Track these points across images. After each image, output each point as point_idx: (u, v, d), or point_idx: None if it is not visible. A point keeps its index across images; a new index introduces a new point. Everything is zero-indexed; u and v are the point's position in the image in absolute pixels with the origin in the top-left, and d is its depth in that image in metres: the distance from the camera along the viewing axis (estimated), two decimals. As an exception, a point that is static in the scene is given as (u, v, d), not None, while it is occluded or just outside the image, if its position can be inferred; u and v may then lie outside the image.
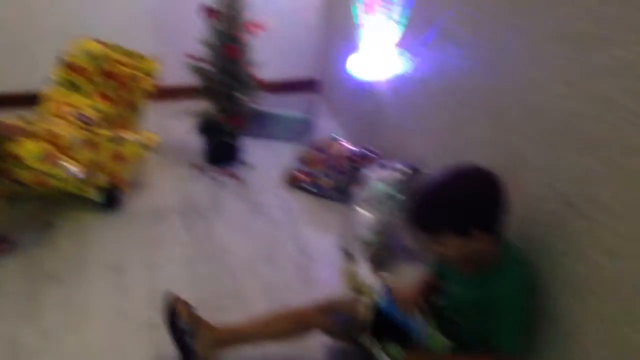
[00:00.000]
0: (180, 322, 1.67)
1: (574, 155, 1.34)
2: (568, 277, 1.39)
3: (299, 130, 3.01)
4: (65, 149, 2.19)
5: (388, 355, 1.55)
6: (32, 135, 2.11)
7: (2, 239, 2.18)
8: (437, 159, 2.00)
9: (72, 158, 2.20)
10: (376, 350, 1.56)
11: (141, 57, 2.61)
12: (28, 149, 2.06)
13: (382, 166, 2.23)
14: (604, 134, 1.24)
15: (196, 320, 1.69)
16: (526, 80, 1.53)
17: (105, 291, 2.02)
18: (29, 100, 2.54)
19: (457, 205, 1.39)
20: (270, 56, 2.70)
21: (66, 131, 2.22)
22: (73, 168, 2.17)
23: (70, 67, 2.44)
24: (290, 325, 1.74)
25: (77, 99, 2.41)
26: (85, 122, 2.30)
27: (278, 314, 1.77)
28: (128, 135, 2.45)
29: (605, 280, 1.27)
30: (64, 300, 1.97)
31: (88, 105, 2.40)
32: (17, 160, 2.04)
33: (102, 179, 2.36)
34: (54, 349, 1.78)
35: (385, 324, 1.61)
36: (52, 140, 2.16)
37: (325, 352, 1.81)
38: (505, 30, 1.62)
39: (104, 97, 2.48)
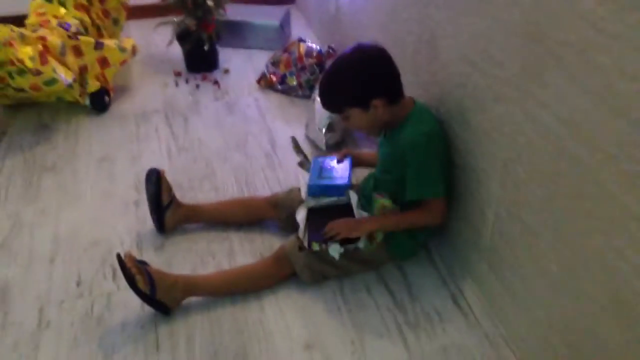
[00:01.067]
0: (162, 197, 1.94)
1: (474, 19, 1.54)
2: (473, 128, 1.62)
3: (273, 37, 3.20)
4: (54, 55, 2.44)
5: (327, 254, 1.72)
6: (25, 42, 2.35)
7: None
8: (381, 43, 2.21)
9: (61, 63, 2.45)
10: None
11: None
12: (25, 50, 2.30)
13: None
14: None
15: (171, 196, 1.97)
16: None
17: (95, 178, 2.29)
18: (17, 20, 2.76)
19: (352, 83, 1.63)
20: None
21: (53, 38, 2.45)
22: (61, 72, 2.42)
23: None
24: (243, 210, 2.02)
25: (56, 9, 2.64)
26: (67, 30, 2.52)
27: (236, 200, 2.08)
28: (107, 41, 2.67)
29: (502, 128, 1.49)
30: (59, 186, 2.25)
31: (67, 14, 2.63)
32: (14, 64, 2.28)
33: (91, 84, 2.61)
34: (51, 223, 2.07)
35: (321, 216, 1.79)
36: (43, 44, 2.40)
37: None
38: None
39: (80, 7, 2.72)
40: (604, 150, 1.12)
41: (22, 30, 2.38)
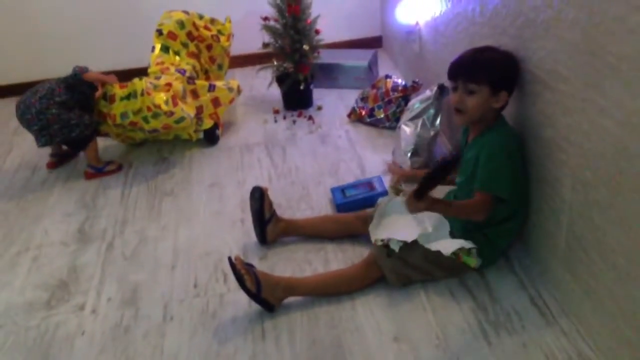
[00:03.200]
0: (264, 212, 2.20)
1: (538, 41, 1.73)
2: (545, 142, 1.77)
3: (362, 77, 3.48)
4: (178, 99, 2.84)
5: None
6: (157, 90, 2.77)
7: (111, 162, 2.94)
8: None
9: (184, 104, 2.86)
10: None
11: (219, 22, 3.30)
12: (160, 97, 2.71)
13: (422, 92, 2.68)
14: (552, 17, 1.63)
15: (272, 211, 2.23)
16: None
17: (207, 201, 2.62)
18: (141, 72, 3.22)
19: (500, 66, 1.84)
20: (335, 17, 3.25)
21: (176, 84, 2.86)
22: (187, 111, 2.81)
23: (166, 34, 3.09)
24: (335, 225, 2.25)
25: (172, 58, 3.07)
26: (183, 75, 2.92)
27: (329, 216, 2.33)
28: (217, 82, 3.06)
29: (569, 137, 1.64)
30: (177, 208, 2.59)
31: (182, 62, 3.05)
32: (150, 110, 2.68)
33: (206, 122, 3.00)
34: (170, 237, 2.39)
35: None
36: (169, 90, 2.81)
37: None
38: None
39: (192, 55, 3.14)
40: (657, 144, 1.26)
41: (152, 80, 2.79)
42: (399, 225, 2.02)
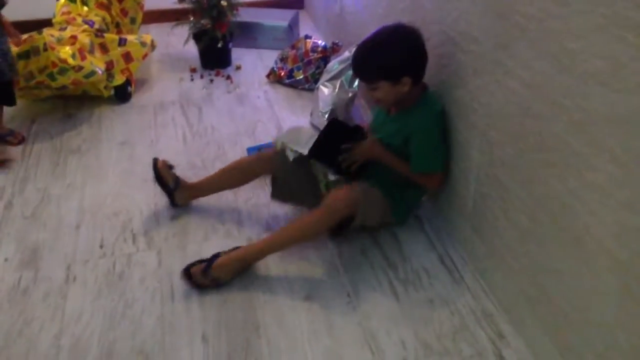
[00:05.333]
0: (166, 182, 2.12)
1: (456, 3, 1.73)
2: (457, 103, 1.80)
3: (282, 37, 3.42)
4: (85, 52, 2.67)
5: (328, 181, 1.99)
6: (61, 43, 2.59)
7: (12, 133, 2.63)
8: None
9: (92, 58, 2.69)
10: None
11: None
12: (65, 50, 2.53)
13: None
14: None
15: (175, 179, 2.14)
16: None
17: (117, 159, 2.50)
18: (45, 23, 3.01)
19: (392, 57, 1.78)
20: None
21: (82, 37, 2.68)
22: (97, 65, 2.65)
23: None
24: (240, 174, 2.14)
25: (80, 8, 2.89)
26: (91, 26, 2.75)
27: (231, 166, 2.16)
28: (129, 36, 2.90)
29: (479, 99, 1.67)
30: (84, 165, 2.46)
31: (90, 13, 2.87)
32: (55, 66, 2.50)
33: (117, 78, 2.84)
34: (76, 196, 2.27)
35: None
36: (74, 43, 2.64)
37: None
38: None
39: (101, 5, 2.97)
40: (559, 103, 1.29)
41: (54, 32, 2.61)
42: (301, 139, 2.03)
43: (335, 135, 1.93)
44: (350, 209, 1.84)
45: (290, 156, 1.99)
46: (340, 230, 1.95)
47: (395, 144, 1.92)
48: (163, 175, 2.12)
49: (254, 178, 2.15)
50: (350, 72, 2.52)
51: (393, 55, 1.78)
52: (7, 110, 2.82)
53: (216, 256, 1.83)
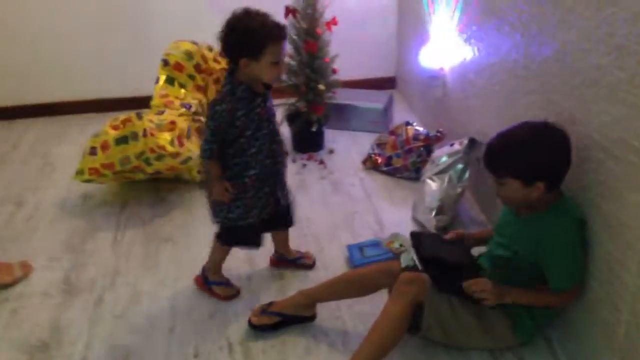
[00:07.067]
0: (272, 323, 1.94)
1: (602, 105, 1.53)
2: (604, 216, 1.57)
3: (377, 120, 3.29)
4: (183, 138, 2.62)
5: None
6: (160, 129, 2.55)
7: (230, 285, 2.17)
8: (495, 130, 2.19)
9: (189, 143, 2.64)
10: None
11: None
12: (164, 137, 2.50)
13: (448, 143, 2.48)
14: (623, 81, 1.43)
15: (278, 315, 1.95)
16: (560, 43, 1.73)
17: (209, 251, 2.36)
18: (142, 101, 3.00)
19: (531, 158, 1.59)
20: (350, 56, 3.04)
21: (180, 122, 2.64)
22: (194, 151, 2.59)
23: (172, 65, 2.88)
24: (359, 287, 1.95)
25: (177, 91, 2.86)
26: (188, 109, 2.71)
27: (348, 278, 1.99)
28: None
29: (634, 212, 1.43)
30: (176, 257, 2.35)
31: (187, 96, 2.84)
32: (153, 151, 2.46)
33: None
34: (168, 293, 2.14)
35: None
36: (173, 129, 2.59)
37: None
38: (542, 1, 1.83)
39: (198, 88, 2.93)
40: None
41: (152, 117, 2.58)
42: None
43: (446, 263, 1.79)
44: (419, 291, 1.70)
45: (403, 263, 1.80)
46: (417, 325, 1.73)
47: (521, 251, 1.71)
48: (268, 324, 1.94)
49: (374, 292, 1.94)
50: (459, 166, 2.34)
51: (532, 157, 1.59)
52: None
53: None
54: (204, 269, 2.14)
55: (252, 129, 1.81)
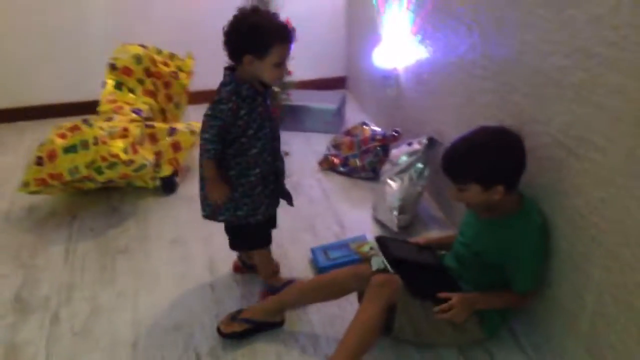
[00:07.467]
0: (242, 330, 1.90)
1: (565, 104, 1.58)
2: (568, 213, 1.62)
3: (330, 120, 3.28)
4: (137, 145, 2.53)
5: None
6: (112, 137, 2.45)
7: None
8: (453, 129, 2.24)
9: (142, 150, 2.55)
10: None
11: (178, 57, 3.02)
12: (117, 145, 2.40)
13: (405, 142, 2.50)
14: (587, 81, 1.47)
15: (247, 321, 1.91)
16: (519, 44, 1.77)
17: (169, 260, 2.30)
18: (87, 107, 2.89)
19: (489, 162, 1.62)
20: (300, 57, 3.01)
21: (132, 128, 2.55)
22: (147, 158, 2.51)
23: (120, 69, 2.79)
24: (334, 290, 1.93)
25: (126, 96, 2.77)
26: (139, 115, 2.62)
27: (322, 282, 1.96)
28: (179, 125, 2.77)
29: (604, 212, 1.48)
30: (134, 269, 2.26)
31: (137, 101, 2.75)
32: (105, 160, 2.37)
33: (164, 168, 2.69)
34: (129, 307, 2.06)
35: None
36: (126, 135, 2.50)
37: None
38: (501, 3, 1.87)
39: (148, 93, 2.85)
40: None
41: (102, 124, 2.48)
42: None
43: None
44: (392, 293, 1.71)
45: (374, 266, 1.81)
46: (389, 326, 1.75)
47: (482, 253, 1.76)
48: (238, 332, 1.89)
49: (344, 295, 1.94)
50: (419, 165, 2.37)
51: (490, 162, 1.62)
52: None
53: None
54: (267, 285, 2.10)
55: (254, 128, 1.76)
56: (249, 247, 2.08)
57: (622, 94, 1.36)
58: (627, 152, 1.37)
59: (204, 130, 1.74)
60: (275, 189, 1.93)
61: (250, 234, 1.97)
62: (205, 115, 1.74)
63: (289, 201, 2.01)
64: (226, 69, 1.76)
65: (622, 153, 1.39)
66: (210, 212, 1.93)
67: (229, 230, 2.03)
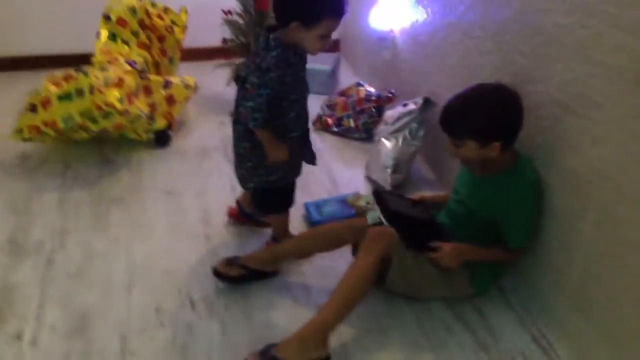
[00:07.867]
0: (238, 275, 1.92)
1: (565, 62, 1.60)
2: (565, 171, 1.64)
3: (324, 82, 3.28)
4: (132, 96, 2.52)
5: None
6: (108, 86, 2.43)
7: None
8: (449, 91, 2.25)
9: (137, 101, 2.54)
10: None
11: (172, 11, 3.00)
12: (113, 94, 2.38)
13: (400, 104, 2.52)
14: (588, 39, 1.49)
15: (243, 267, 1.93)
16: (519, 2, 1.79)
17: (162, 211, 2.31)
18: (82, 59, 2.85)
19: (486, 119, 1.63)
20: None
21: (128, 79, 2.53)
22: (142, 110, 2.50)
23: (115, 21, 2.75)
24: (323, 243, 1.97)
25: (121, 48, 2.74)
26: (133, 67, 2.60)
27: (317, 233, 2.02)
28: (174, 79, 2.76)
29: (599, 170, 1.51)
30: (128, 218, 2.27)
31: (131, 53, 2.73)
32: (100, 109, 2.35)
33: (158, 121, 2.68)
34: (122, 253, 2.08)
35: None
36: (121, 86, 2.48)
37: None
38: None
39: (142, 45, 2.82)
40: None
41: (97, 73, 2.45)
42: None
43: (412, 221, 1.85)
44: (387, 245, 1.74)
45: (370, 220, 1.84)
46: (382, 278, 1.79)
47: (477, 209, 1.80)
48: (233, 276, 1.92)
49: (339, 247, 1.96)
50: (414, 125, 2.39)
51: (487, 118, 1.64)
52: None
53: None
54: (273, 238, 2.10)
55: (297, 92, 1.75)
56: (277, 210, 2.04)
57: (623, 52, 1.38)
58: (625, 109, 1.41)
59: (250, 98, 1.68)
60: (303, 151, 1.94)
61: (280, 197, 1.98)
62: (251, 83, 1.66)
63: (313, 161, 1.99)
64: (267, 30, 1.69)
65: (621, 110, 1.42)
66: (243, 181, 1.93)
67: (256, 196, 2.00)
